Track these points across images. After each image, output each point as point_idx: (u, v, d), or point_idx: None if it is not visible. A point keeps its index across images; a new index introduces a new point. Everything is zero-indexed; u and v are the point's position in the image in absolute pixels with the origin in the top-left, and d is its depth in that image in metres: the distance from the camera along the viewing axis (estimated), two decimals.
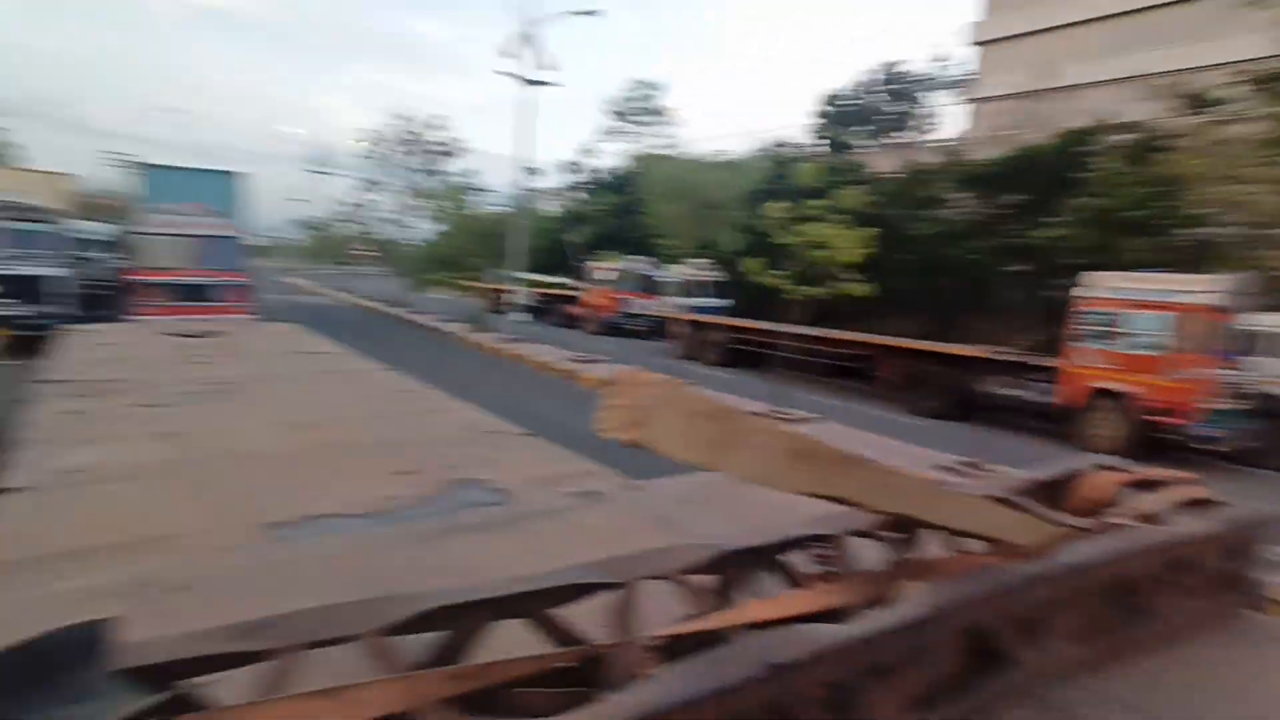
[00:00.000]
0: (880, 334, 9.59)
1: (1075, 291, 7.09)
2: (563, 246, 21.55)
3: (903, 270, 11.19)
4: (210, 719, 1.05)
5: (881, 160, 16.17)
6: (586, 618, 1.41)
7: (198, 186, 12.56)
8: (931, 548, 1.76)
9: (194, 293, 11.27)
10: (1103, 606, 1.78)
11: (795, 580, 1.70)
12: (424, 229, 22.67)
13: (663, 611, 1.47)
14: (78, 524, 2.27)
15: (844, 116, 23.55)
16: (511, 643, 1.33)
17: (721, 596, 1.60)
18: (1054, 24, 17.75)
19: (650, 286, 15.80)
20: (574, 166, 26.97)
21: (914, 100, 24.39)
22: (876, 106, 24.08)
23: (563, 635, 1.40)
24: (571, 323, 17.41)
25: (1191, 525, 2.04)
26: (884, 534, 1.74)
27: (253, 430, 3.50)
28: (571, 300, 18.09)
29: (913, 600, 1.46)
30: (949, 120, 29.59)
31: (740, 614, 1.50)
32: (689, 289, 14.88)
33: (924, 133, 22.88)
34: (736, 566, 1.64)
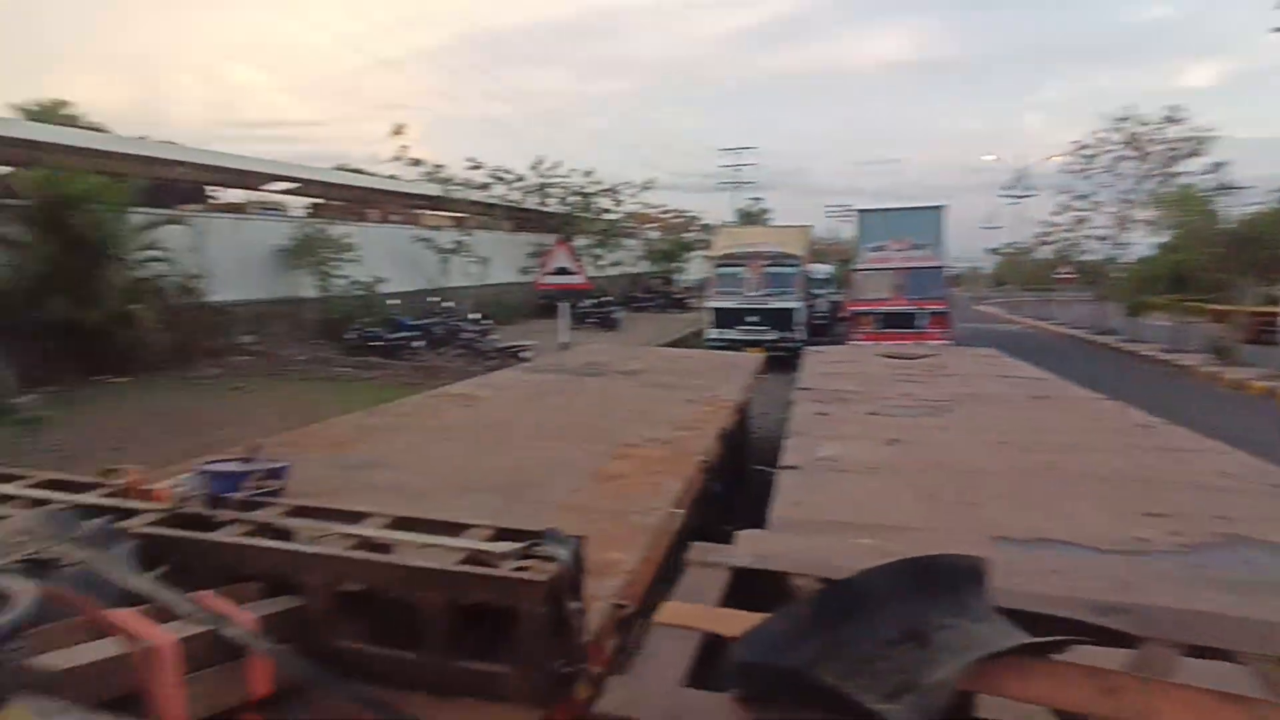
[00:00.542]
0: None
1: None
2: None
3: None
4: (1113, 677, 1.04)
5: None
6: None
7: (904, 223, 14.08)
8: None
9: (901, 320, 12.61)
10: None
11: None
12: (1140, 245, 19.60)
13: None
14: (832, 500, 2.72)
15: None
16: None
17: None
18: None
19: None
20: None
21: None
22: None
23: None
24: None
25: None
26: None
27: (968, 445, 3.59)
28: None
29: None
30: None
31: None
32: None
33: None
34: None
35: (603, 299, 18.12)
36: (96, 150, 12.25)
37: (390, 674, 1.63)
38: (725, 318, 13.44)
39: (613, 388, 5.20)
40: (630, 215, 25.77)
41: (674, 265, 29.34)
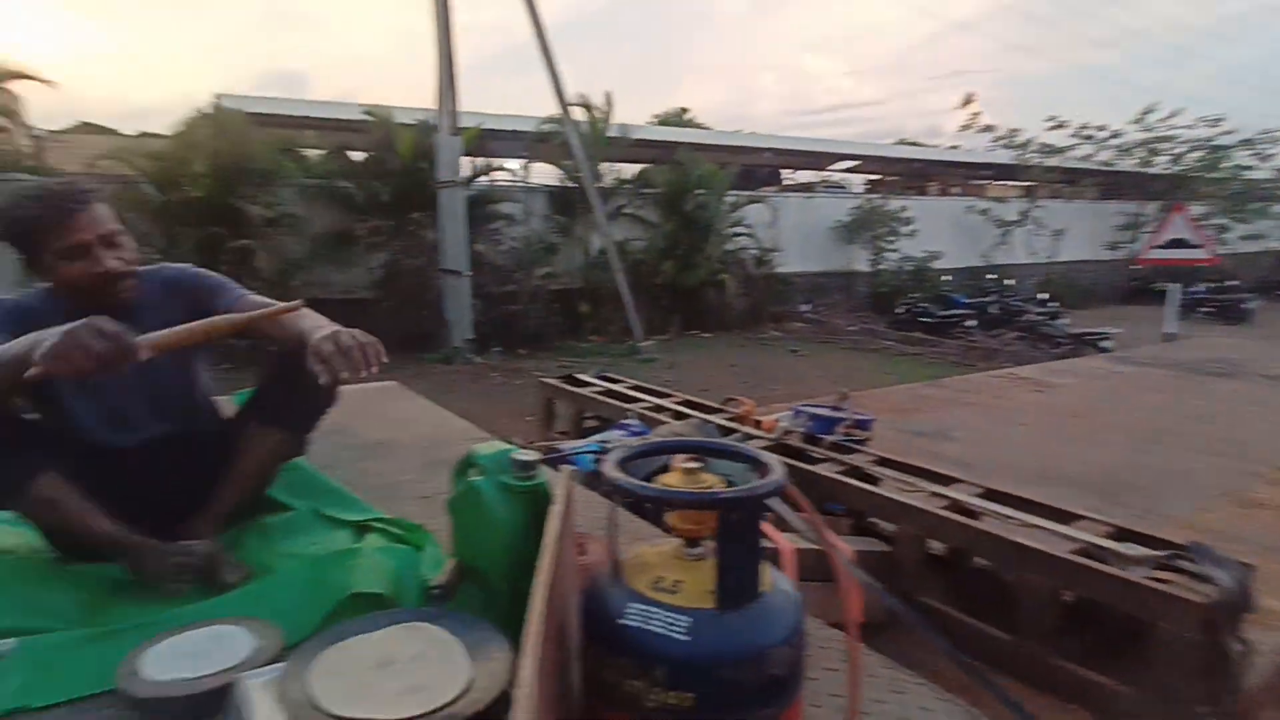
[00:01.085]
0: None
1: None
2: None
3: None
4: None
5: None
6: None
7: None
8: None
9: None
10: None
11: None
12: None
13: None
14: None
15: None
16: None
17: None
18: None
19: None
20: None
21: None
22: None
23: None
24: None
25: None
26: None
27: None
28: None
29: None
30: None
31: None
32: None
33: None
34: None
35: (1226, 282, 14.19)
36: (704, 144, 15.12)
37: (973, 647, 1.59)
38: None
39: (1252, 394, 4.04)
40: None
41: None
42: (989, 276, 14.23)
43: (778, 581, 1.04)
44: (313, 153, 9.91)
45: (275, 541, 1.70)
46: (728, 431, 2.94)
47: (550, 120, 10.76)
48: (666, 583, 1.00)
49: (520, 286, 10.07)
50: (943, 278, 13.93)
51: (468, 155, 9.42)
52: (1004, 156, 16.94)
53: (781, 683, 0.97)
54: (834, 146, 18.29)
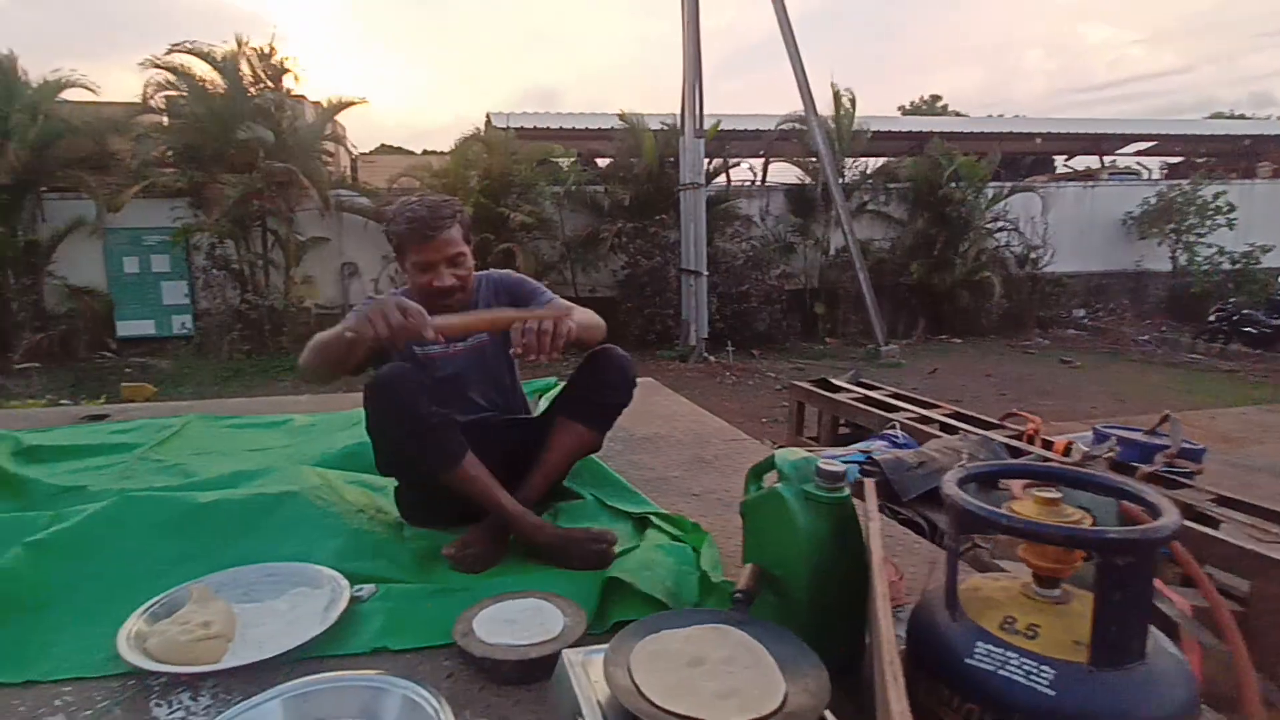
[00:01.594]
0: None
1: None
2: None
3: None
4: None
5: None
6: None
7: None
8: None
9: None
10: None
11: None
12: None
13: None
14: None
15: None
16: None
17: None
18: None
19: None
20: None
21: None
22: None
23: None
24: None
25: None
26: None
27: None
28: None
29: None
30: None
31: None
32: None
33: None
34: None
35: None
36: (960, 133, 13.94)
37: None
38: None
39: None
40: None
41: None
42: None
43: (1160, 643, 0.89)
44: (563, 161, 10.74)
45: (566, 525, 1.83)
46: (1016, 452, 2.66)
47: (791, 118, 10.60)
48: (1020, 625, 0.89)
49: (755, 286, 10.06)
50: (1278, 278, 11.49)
51: (708, 157, 9.60)
52: None
53: None
54: (1122, 126, 15.91)
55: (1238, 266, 11.76)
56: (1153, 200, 12.26)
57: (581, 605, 1.44)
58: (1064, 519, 0.88)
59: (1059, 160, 17.47)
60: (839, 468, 1.25)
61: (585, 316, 1.75)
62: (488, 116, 10.81)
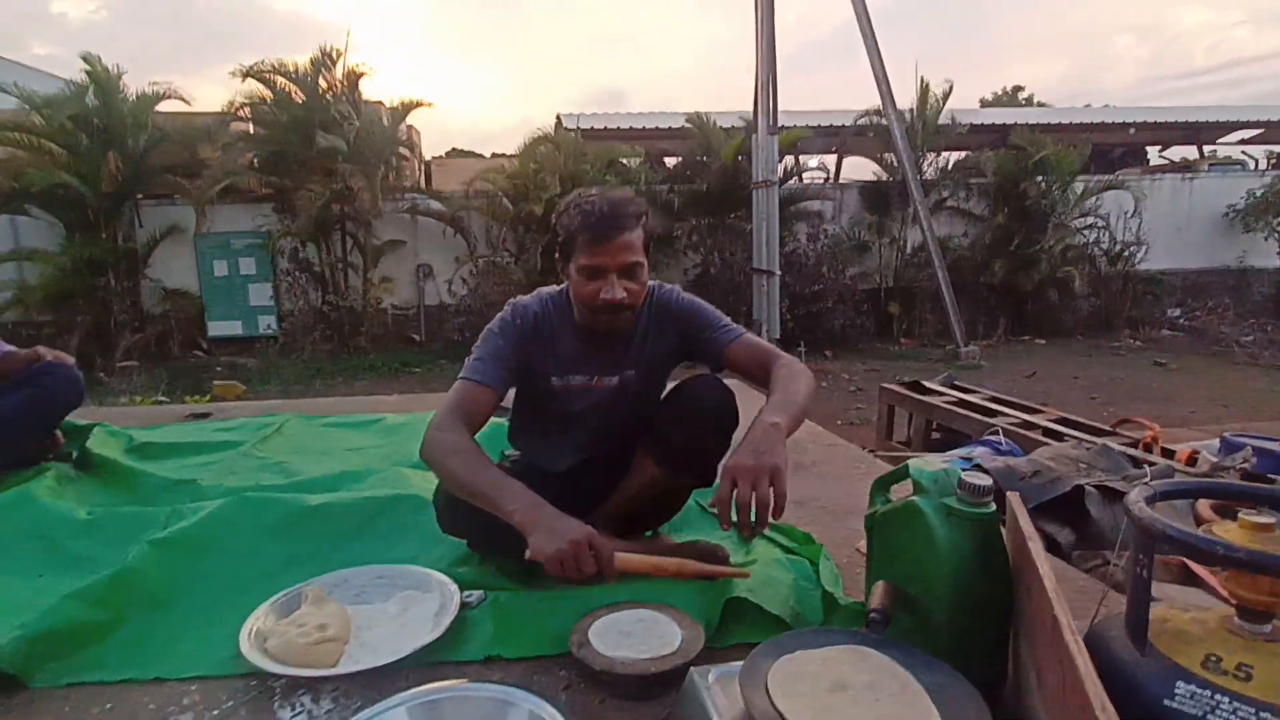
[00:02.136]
0: None
1: None
2: None
3: None
4: None
5: None
6: None
7: None
8: None
9: None
10: None
11: None
12: None
13: None
14: None
15: None
16: None
17: None
18: None
19: None
20: None
21: None
22: None
23: None
24: None
25: None
26: None
27: None
28: None
29: None
30: None
31: None
32: None
33: None
34: None
35: None
36: (1046, 124, 13.32)
37: None
38: None
39: None
40: None
41: None
42: None
43: None
44: (630, 161, 10.73)
45: (671, 533, 1.78)
46: (1135, 462, 2.48)
47: (867, 113, 10.33)
48: (1227, 665, 0.80)
49: (828, 286, 9.84)
50: None
51: (781, 155, 9.44)
52: None
53: None
54: (1223, 114, 14.92)
55: None
56: (1258, 192, 11.46)
57: (696, 619, 1.39)
58: (1274, 546, 0.78)
59: (1153, 151, 16.53)
60: (985, 480, 1.16)
61: (794, 392, 1.44)
62: (558, 117, 10.91)
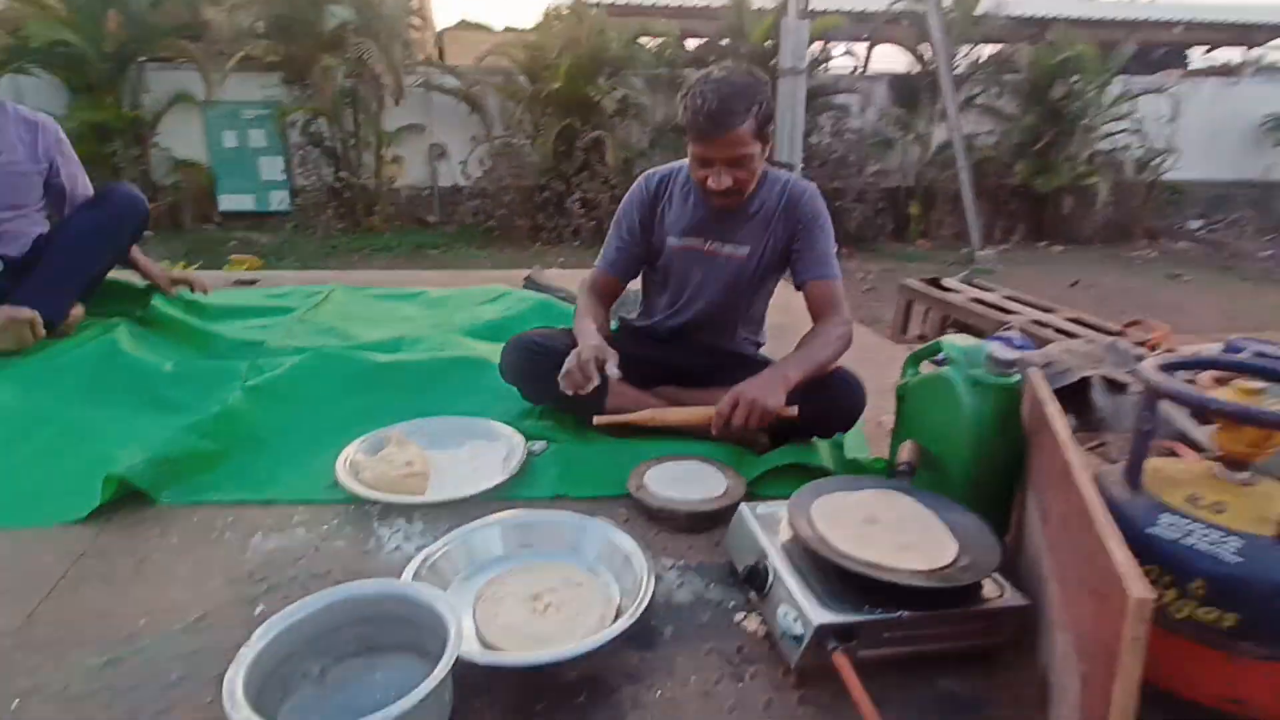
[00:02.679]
0: None
1: None
2: None
3: None
4: None
5: None
6: None
7: None
8: None
9: None
10: None
11: None
12: None
13: None
14: None
15: None
16: None
17: None
18: None
19: None
20: None
21: None
22: None
23: None
24: None
25: None
26: None
27: None
28: None
29: None
30: None
31: None
32: None
33: None
34: None
35: None
36: (1089, 20, 12.70)
37: None
38: None
39: None
40: None
41: None
42: None
43: None
44: (649, 41, 10.32)
45: None
46: (1141, 359, 2.62)
47: None
48: (1205, 501, 0.97)
49: (848, 183, 9.72)
50: None
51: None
52: None
53: None
54: (1276, 15, 14.16)
55: None
56: None
57: (739, 471, 1.58)
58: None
59: (1196, 52, 15.81)
60: (1013, 354, 1.31)
61: (817, 354, 1.63)
62: None
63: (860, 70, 11.42)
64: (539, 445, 1.70)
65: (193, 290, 2.67)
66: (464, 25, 16.22)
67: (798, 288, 1.81)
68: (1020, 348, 2.92)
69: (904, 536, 1.16)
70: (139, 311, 2.47)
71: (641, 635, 1.14)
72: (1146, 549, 0.96)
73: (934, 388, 1.39)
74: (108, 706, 1.01)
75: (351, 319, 2.67)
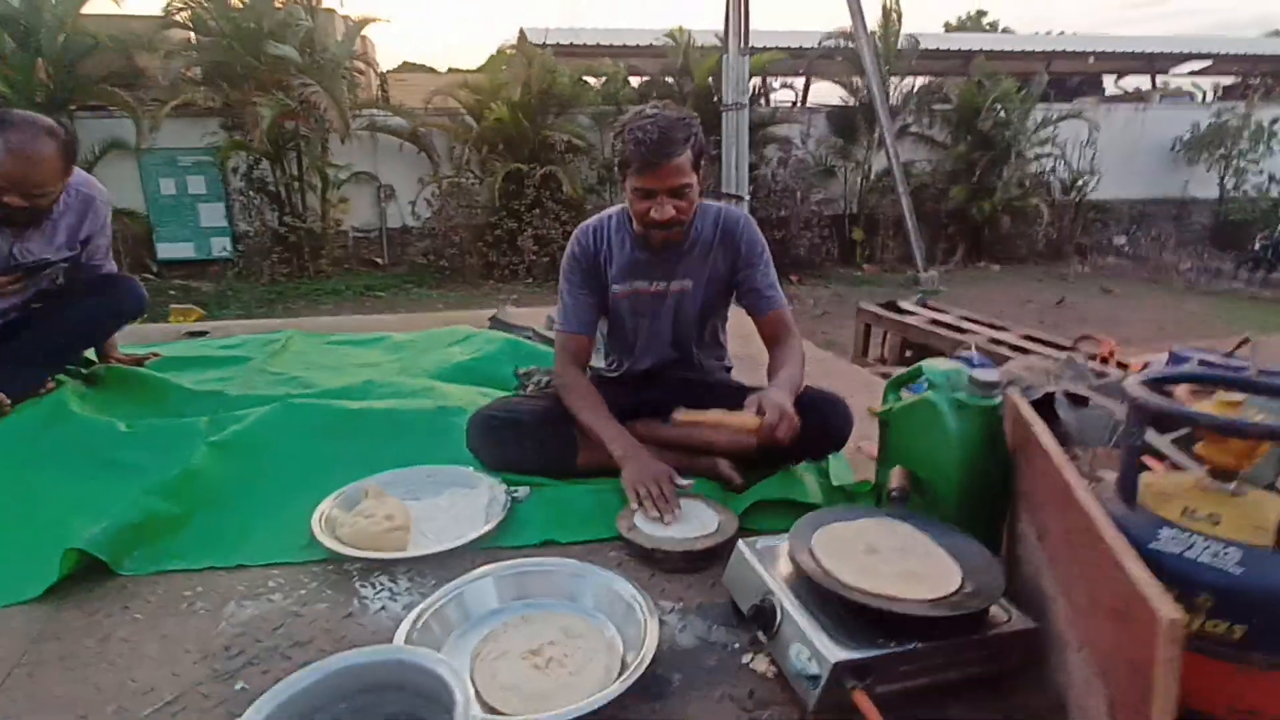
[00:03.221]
0: None
1: None
2: None
3: None
4: None
5: None
6: None
7: None
8: None
9: None
10: None
11: None
12: None
13: None
14: None
15: None
16: None
17: None
18: None
19: None
20: None
21: None
22: None
23: None
24: None
25: None
26: None
27: None
28: None
29: None
30: None
31: None
32: None
33: None
34: None
35: None
36: (1007, 52, 13.40)
37: None
38: None
39: None
40: None
41: None
42: None
43: None
44: (593, 80, 10.45)
45: None
46: (1099, 374, 2.71)
47: (835, 34, 10.23)
48: (1200, 513, 0.99)
49: (794, 211, 9.96)
50: None
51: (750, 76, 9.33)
52: None
53: None
54: (1175, 45, 15.19)
55: None
56: (1204, 124, 11.84)
57: (727, 506, 1.56)
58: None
59: (1108, 81, 16.80)
60: (994, 376, 1.33)
61: (796, 375, 1.68)
62: (521, 31, 10.51)
63: (798, 104, 11.79)
64: (521, 491, 1.65)
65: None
66: (407, 67, 16.22)
67: (754, 318, 1.84)
68: (979, 366, 2.99)
69: (907, 565, 1.16)
70: (83, 369, 2.35)
71: (650, 685, 1.10)
72: (1151, 564, 0.96)
73: (919, 412, 1.40)
74: None
75: (313, 366, 2.58)
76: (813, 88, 12.91)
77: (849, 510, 1.33)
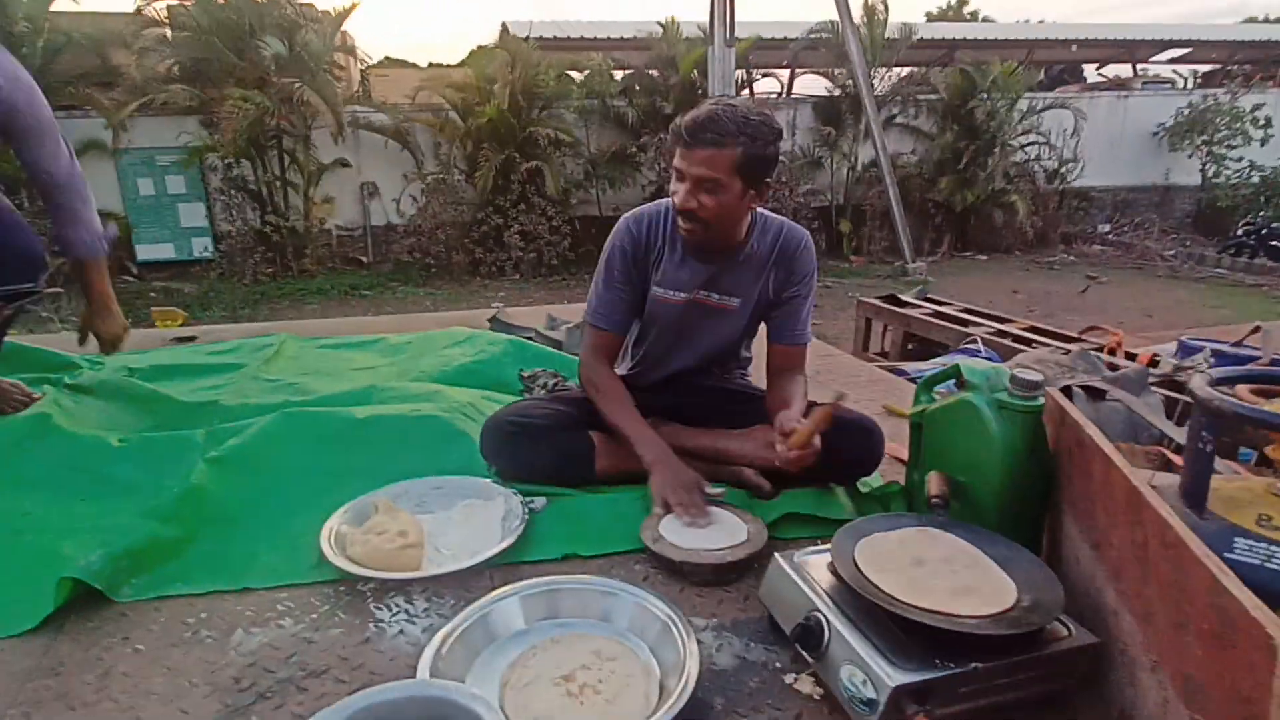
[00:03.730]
0: None
1: None
2: None
3: None
4: None
5: None
6: None
7: None
8: None
9: None
10: None
11: None
12: None
13: None
14: None
15: None
16: None
17: None
18: None
19: None
20: None
21: None
22: None
23: None
24: None
25: None
26: None
27: None
28: None
29: None
30: None
31: None
32: None
33: None
34: None
35: None
36: (992, 40, 13.41)
37: None
38: None
39: None
40: None
41: None
42: None
43: None
44: (578, 75, 10.34)
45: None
46: (1111, 366, 2.68)
47: (820, 26, 10.18)
48: (1277, 522, 0.94)
49: (782, 203, 9.90)
50: None
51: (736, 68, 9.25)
52: None
53: None
54: (1155, 32, 15.28)
55: (1269, 180, 11.54)
56: (1185, 111, 11.92)
57: (756, 515, 1.50)
58: None
59: (1090, 69, 16.87)
60: (1037, 376, 1.28)
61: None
62: (504, 25, 10.37)
63: (784, 94, 11.73)
64: (539, 502, 1.58)
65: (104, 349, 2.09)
66: (388, 62, 15.98)
67: (772, 343, 1.76)
68: (988, 358, 2.95)
69: (958, 578, 1.10)
70: (67, 377, 2.24)
71: (693, 711, 1.04)
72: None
73: (957, 414, 1.35)
74: None
75: (309, 372, 2.49)
76: (798, 80, 12.88)
77: (888, 519, 1.27)
